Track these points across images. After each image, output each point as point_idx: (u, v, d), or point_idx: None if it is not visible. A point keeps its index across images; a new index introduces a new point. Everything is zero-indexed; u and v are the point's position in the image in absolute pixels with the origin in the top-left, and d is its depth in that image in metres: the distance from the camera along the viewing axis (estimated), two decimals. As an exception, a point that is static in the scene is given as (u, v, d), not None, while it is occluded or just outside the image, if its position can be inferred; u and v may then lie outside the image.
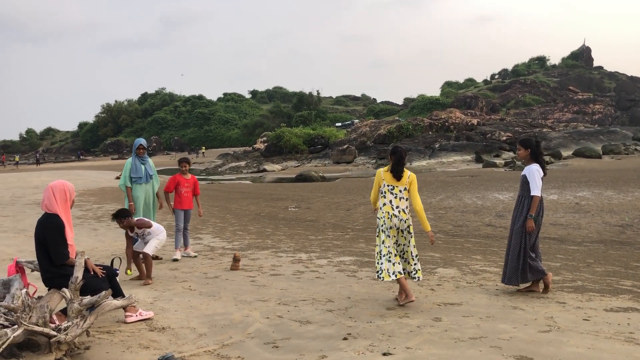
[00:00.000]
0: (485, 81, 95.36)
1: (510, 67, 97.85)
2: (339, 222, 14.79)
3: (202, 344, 4.81)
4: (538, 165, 6.53)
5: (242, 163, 53.73)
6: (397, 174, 6.17)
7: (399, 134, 53.34)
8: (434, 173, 35.64)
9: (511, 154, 44.98)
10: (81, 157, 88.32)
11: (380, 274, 6.07)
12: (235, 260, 8.16)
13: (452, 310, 5.84)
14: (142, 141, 9.11)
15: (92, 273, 5.17)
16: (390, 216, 6.11)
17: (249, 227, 13.54)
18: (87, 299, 4.63)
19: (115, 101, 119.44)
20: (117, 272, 5.77)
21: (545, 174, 6.57)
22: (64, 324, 4.37)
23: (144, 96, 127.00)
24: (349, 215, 16.27)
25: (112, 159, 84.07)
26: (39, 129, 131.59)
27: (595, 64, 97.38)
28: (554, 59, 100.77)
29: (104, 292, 4.71)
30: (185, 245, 9.38)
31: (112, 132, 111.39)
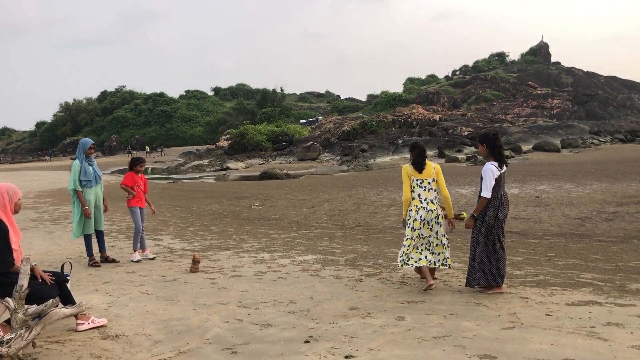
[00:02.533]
0: (446, 77, 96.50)
1: (471, 63, 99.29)
2: (303, 220, 14.65)
3: (157, 352, 4.60)
4: (495, 163, 6.28)
5: (205, 161, 53.08)
6: (420, 167, 6.61)
7: (363, 130, 53.53)
8: (398, 169, 35.81)
9: (472, 148, 45.60)
10: (49, 155, 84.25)
11: (401, 263, 6.63)
12: (195, 262, 7.93)
13: (416, 308, 5.76)
14: (91, 141, 8.74)
15: (40, 280, 4.91)
16: (417, 209, 6.53)
17: (210, 227, 13.28)
18: (33, 308, 4.37)
19: (74, 100, 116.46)
20: (68, 277, 5.50)
21: (506, 166, 6.42)
22: (7, 336, 4.11)
23: (104, 94, 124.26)
24: (314, 212, 16.15)
25: (71, 158, 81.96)
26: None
27: (553, 59, 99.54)
28: (513, 54, 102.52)
29: (50, 301, 4.45)
30: (143, 247, 9.08)
31: (71, 131, 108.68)
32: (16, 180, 29.97)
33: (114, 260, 8.80)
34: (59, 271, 5.55)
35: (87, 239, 8.58)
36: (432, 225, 6.58)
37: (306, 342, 4.75)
